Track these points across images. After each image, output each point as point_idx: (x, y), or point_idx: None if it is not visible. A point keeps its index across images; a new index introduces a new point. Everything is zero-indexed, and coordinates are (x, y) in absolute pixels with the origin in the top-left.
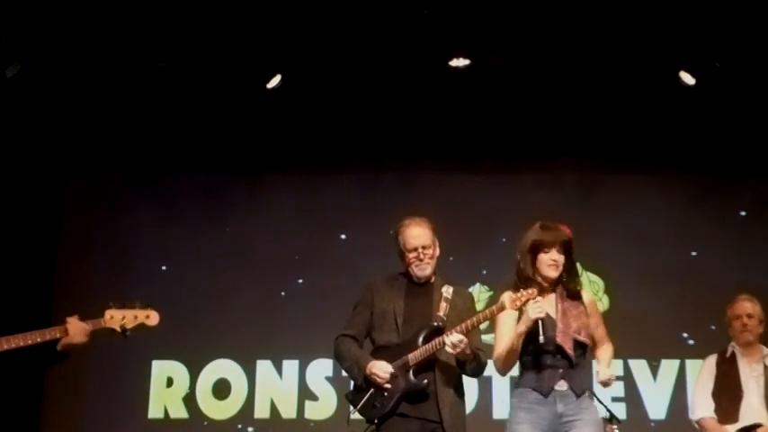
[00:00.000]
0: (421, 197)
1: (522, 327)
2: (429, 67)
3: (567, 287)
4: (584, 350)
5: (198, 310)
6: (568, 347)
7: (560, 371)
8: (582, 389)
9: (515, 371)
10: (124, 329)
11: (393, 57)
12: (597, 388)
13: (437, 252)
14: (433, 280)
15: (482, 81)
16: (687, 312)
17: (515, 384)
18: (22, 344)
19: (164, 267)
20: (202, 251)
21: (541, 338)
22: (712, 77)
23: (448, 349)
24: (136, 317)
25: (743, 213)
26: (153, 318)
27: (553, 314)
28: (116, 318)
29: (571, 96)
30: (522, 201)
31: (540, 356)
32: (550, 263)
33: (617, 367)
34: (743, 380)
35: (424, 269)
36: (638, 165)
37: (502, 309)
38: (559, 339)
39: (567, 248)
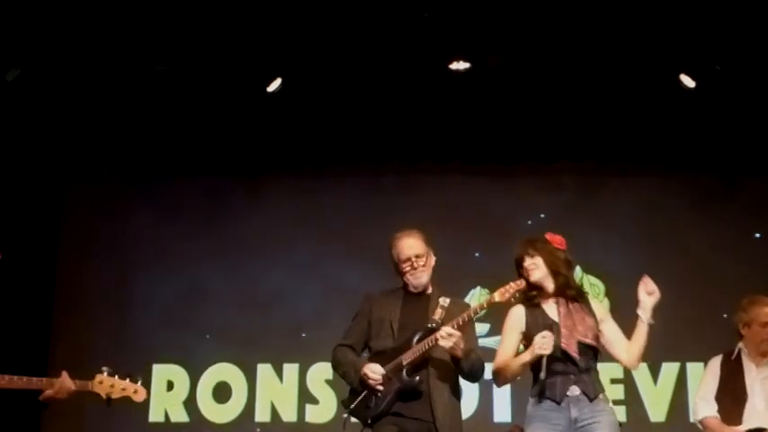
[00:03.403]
0: (421, 200)
1: (527, 357)
2: (429, 70)
3: (565, 291)
4: (594, 353)
5: (198, 313)
6: (573, 351)
7: (572, 377)
8: (595, 392)
9: (528, 379)
10: (109, 398)
11: (393, 60)
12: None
13: (432, 262)
14: (430, 291)
15: (482, 84)
16: (688, 315)
17: (530, 394)
18: (5, 385)
19: (164, 270)
20: (202, 254)
21: (543, 374)
22: (712, 80)
23: (441, 342)
24: (124, 389)
25: (743, 216)
26: (140, 394)
27: (555, 319)
28: (105, 384)
29: (571, 99)
30: (522, 203)
31: (550, 364)
32: (530, 267)
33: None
34: (748, 382)
35: (418, 277)
36: (639, 167)
37: (492, 301)
38: (563, 344)
39: (536, 248)
